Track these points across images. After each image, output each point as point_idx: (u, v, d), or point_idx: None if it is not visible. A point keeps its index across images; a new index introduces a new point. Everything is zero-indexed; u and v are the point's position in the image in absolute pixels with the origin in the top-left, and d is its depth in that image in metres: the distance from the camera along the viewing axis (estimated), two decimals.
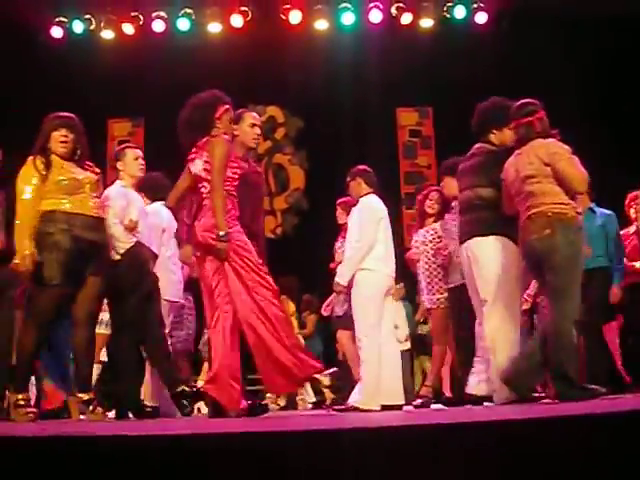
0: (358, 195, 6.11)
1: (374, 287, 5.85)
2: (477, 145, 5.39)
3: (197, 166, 4.71)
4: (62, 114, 5.23)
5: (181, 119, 4.89)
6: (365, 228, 5.91)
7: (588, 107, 10.52)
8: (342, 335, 7.32)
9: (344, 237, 6.60)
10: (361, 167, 6.27)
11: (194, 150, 4.76)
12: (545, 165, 4.66)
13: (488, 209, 5.13)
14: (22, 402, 4.78)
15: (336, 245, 7.18)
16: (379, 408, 5.57)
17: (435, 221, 6.64)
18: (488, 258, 5.06)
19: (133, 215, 5.59)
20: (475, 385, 5.34)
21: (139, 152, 6.01)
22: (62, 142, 5.05)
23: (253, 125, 5.34)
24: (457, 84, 11.13)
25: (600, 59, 10.71)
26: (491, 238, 5.07)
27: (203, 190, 4.68)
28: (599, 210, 6.80)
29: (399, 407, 5.86)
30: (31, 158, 4.98)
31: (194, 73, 11.12)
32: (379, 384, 5.69)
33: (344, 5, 11.64)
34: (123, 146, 6.04)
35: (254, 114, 5.48)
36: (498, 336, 4.94)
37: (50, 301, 4.83)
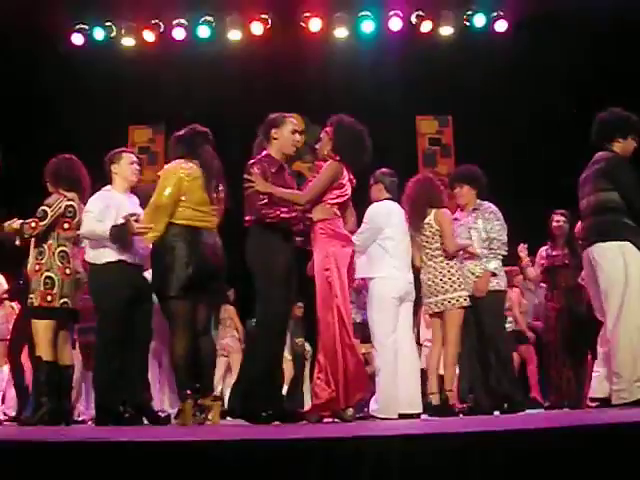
0: (376, 199, 6.10)
1: (387, 295, 5.83)
2: (599, 153, 5.44)
3: None
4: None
5: None
6: (360, 232, 5.90)
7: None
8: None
9: None
10: (385, 170, 6.25)
11: None
12: None
13: (612, 213, 5.18)
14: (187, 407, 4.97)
15: None
16: (396, 416, 5.55)
17: None
18: (610, 263, 5.09)
19: (111, 218, 5.60)
20: (599, 388, 5.40)
21: (134, 157, 6.02)
22: None
23: (294, 132, 5.35)
24: (477, 92, 11.12)
25: (621, 67, 10.64)
26: (614, 243, 5.11)
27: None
28: None
29: (417, 415, 5.84)
30: None
31: (214, 80, 11.18)
32: (396, 392, 5.67)
33: (364, 13, 11.63)
34: (119, 150, 5.99)
35: (295, 120, 5.45)
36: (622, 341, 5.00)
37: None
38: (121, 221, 5.45)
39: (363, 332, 6.70)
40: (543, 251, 7.46)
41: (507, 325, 9.09)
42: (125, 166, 5.88)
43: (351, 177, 5.35)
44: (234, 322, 10.15)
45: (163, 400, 6.53)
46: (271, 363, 5.12)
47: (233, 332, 10.14)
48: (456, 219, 6.50)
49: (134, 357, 5.68)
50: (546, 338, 7.37)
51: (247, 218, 5.20)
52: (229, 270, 5.49)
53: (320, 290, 5.07)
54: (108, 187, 5.83)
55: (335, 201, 5.22)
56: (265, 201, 5.03)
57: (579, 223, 6.97)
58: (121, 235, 5.43)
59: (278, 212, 5.08)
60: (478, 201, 6.57)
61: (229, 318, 10.09)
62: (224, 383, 10.03)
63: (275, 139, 5.32)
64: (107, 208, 5.63)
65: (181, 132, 5.57)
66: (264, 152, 5.33)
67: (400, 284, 5.92)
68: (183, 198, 5.24)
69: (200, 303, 5.33)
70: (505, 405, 6.14)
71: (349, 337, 5.01)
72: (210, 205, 5.36)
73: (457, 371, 6.72)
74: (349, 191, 5.34)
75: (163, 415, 5.92)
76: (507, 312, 9.06)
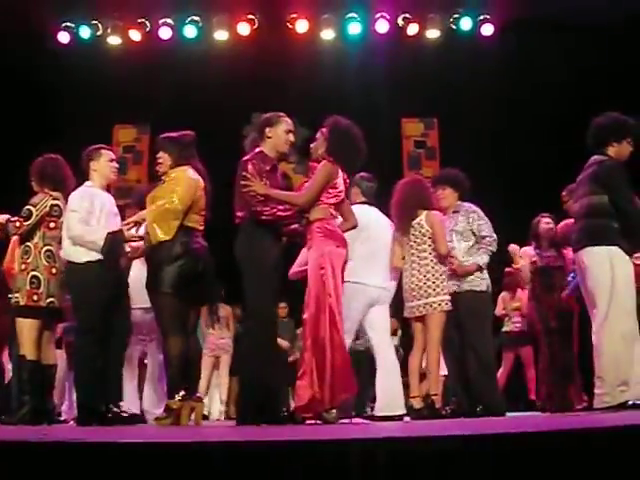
0: (352, 203, 6.10)
1: (352, 299, 5.80)
2: (594, 157, 5.46)
3: None
4: None
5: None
6: None
7: (595, 114, 10.47)
8: None
9: None
10: (364, 174, 6.27)
11: None
12: None
13: (602, 217, 5.21)
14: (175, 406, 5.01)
15: None
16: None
17: None
18: (598, 267, 5.12)
19: (97, 218, 5.62)
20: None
21: (113, 155, 6.01)
22: None
23: (288, 131, 5.37)
24: (463, 95, 11.15)
25: (606, 69, 10.70)
26: (603, 248, 5.15)
27: None
28: None
29: (399, 417, 5.84)
30: None
31: (200, 80, 11.15)
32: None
33: (351, 15, 11.65)
34: (97, 146, 5.94)
35: (289, 120, 5.46)
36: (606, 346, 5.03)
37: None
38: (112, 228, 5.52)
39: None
40: (529, 251, 7.42)
41: (517, 325, 9.18)
42: (104, 163, 5.85)
43: (345, 178, 5.37)
44: (227, 321, 10.17)
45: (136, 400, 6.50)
46: (267, 360, 5.10)
47: (226, 332, 10.15)
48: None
49: (112, 356, 5.69)
50: (549, 339, 7.24)
51: (239, 214, 5.22)
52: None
53: (313, 289, 5.06)
54: (89, 183, 5.80)
55: (331, 201, 5.24)
56: (262, 198, 5.06)
57: (559, 225, 7.03)
58: (114, 243, 5.46)
59: (275, 210, 5.11)
60: (458, 202, 6.60)
61: (224, 317, 10.09)
62: (211, 384, 10.07)
63: (269, 137, 5.33)
64: (92, 206, 5.62)
65: (179, 136, 5.54)
66: (257, 149, 5.33)
67: (368, 290, 5.97)
68: (197, 199, 5.35)
69: (192, 303, 5.38)
70: (478, 409, 6.12)
71: (339, 337, 5.00)
72: (204, 210, 5.49)
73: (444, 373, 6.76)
74: (343, 191, 5.38)
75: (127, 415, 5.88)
76: (516, 312, 9.16)
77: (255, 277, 5.07)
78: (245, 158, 5.26)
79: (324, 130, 5.43)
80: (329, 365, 4.92)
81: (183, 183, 5.32)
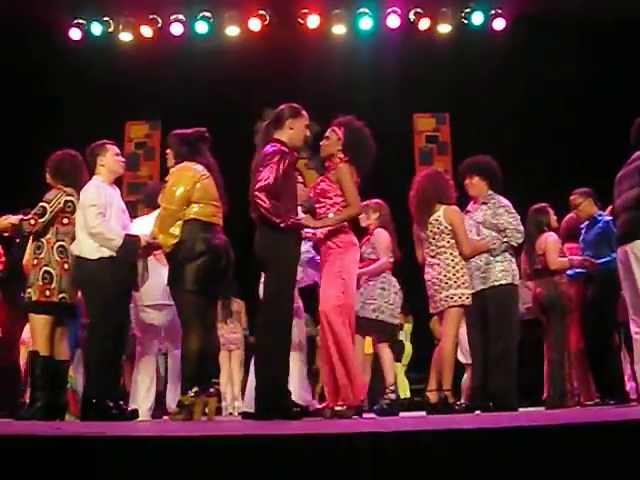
0: None
1: None
2: (637, 152, 5.46)
3: None
4: None
5: None
6: None
7: (605, 110, 10.46)
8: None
9: (369, 240, 6.74)
10: None
11: None
12: None
13: None
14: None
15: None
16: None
17: None
18: None
19: (108, 214, 5.64)
20: None
21: (117, 149, 6.01)
22: None
23: (307, 126, 5.35)
24: (474, 90, 11.13)
25: (618, 63, 10.66)
26: None
27: None
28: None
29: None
30: None
31: (211, 76, 11.18)
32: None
33: (362, 10, 11.64)
34: (101, 142, 5.91)
35: (307, 116, 5.42)
36: None
37: None
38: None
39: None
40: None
41: None
42: (111, 158, 5.85)
43: (356, 178, 5.39)
44: (240, 316, 10.19)
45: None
46: (284, 357, 5.11)
47: (238, 326, 10.18)
48: (467, 211, 6.43)
49: (117, 351, 5.74)
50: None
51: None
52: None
53: (332, 294, 5.14)
54: (101, 178, 5.78)
55: (344, 203, 5.29)
56: (273, 211, 4.98)
57: (564, 219, 7.06)
58: (131, 247, 5.49)
59: (290, 219, 5.05)
60: (489, 192, 6.43)
61: (236, 312, 10.10)
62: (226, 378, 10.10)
63: (291, 129, 5.27)
64: (106, 201, 5.64)
65: (185, 133, 5.56)
66: (276, 140, 5.21)
67: None
68: (197, 195, 5.28)
69: (212, 299, 5.42)
70: (491, 404, 6.02)
71: (350, 339, 5.11)
72: (220, 202, 5.44)
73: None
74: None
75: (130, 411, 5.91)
76: None
77: (277, 277, 5.05)
78: (270, 148, 5.12)
79: (337, 129, 5.43)
80: (350, 364, 5.03)
81: (175, 181, 5.33)
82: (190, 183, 5.28)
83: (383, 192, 7.01)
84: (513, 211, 6.31)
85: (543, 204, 7.08)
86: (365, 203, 6.66)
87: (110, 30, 11.82)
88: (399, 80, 11.12)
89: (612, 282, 6.08)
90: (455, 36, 11.81)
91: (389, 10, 11.59)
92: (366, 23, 11.70)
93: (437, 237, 6.05)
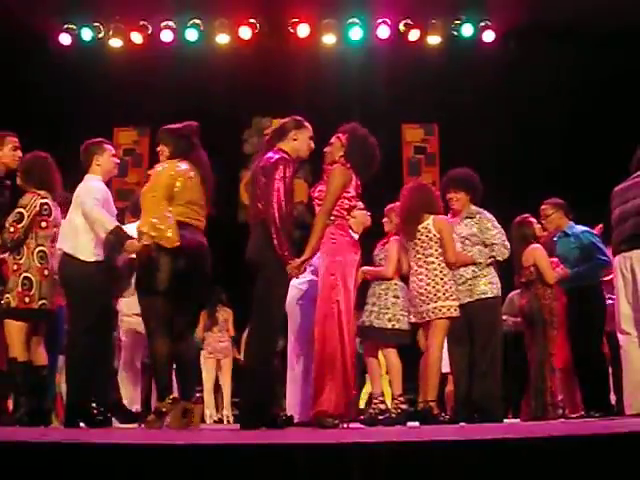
0: None
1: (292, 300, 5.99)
2: None
3: None
4: None
5: None
6: None
7: (594, 123, 10.50)
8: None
9: (384, 245, 6.72)
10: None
11: None
12: None
13: None
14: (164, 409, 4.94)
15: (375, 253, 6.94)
16: None
17: None
18: None
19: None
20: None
21: (114, 150, 5.94)
22: None
23: (311, 138, 5.36)
24: (463, 101, 11.18)
25: (609, 76, 10.71)
26: None
27: None
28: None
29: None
30: None
31: (201, 84, 11.17)
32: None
33: (352, 20, 11.66)
34: (98, 140, 5.83)
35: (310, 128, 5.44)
36: None
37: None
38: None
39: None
40: None
41: None
42: (108, 158, 5.77)
43: (358, 183, 5.40)
44: (227, 325, 10.14)
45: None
46: (268, 363, 5.09)
47: (225, 335, 10.14)
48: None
49: (104, 356, 5.67)
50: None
51: (255, 213, 5.16)
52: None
53: (322, 294, 5.17)
54: (97, 177, 5.69)
55: (345, 207, 5.29)
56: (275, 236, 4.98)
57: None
58: (118, 239, 5.34)
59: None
60: (472, 207, 6.46)
61: (224, 320, 10.07)
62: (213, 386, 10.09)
63: (295, 140, 5.28)
64: (104, 200, 5.57)
65: (179, 128, 5.46)
66: (278, 150, 5.20)
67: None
68: (176, 195, 5.11)
69: (181, 305, 5.14)
70: (475, 415, 6.00)
71: (344, 342, 5.09)
72: (202, 205, 5.29)
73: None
74: (356, 197, 5.46)
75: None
76: None
77: (271, 277, 5.01)
78: (274, 157, 5.11)
79: (342, 136, 5.46)
80: (340, 369, 5.04)
81: (154, 176, 5.22)
82: (171, 181, 5.13)
83: (371, 202, 7.00)
84: (498, 225, 6.36)
85: (525, 215, 7.03)
86: (390, 206, 6.68)
87: (100, 36, 11.81)
88: (388, 90, 11.14)
89: (597, 293, 6.11)
90: (445, 47, 11.84)
91: (379, 20, 11.63)
92: (356, 33, 11.72)
93: (425, 245, 6.05)
